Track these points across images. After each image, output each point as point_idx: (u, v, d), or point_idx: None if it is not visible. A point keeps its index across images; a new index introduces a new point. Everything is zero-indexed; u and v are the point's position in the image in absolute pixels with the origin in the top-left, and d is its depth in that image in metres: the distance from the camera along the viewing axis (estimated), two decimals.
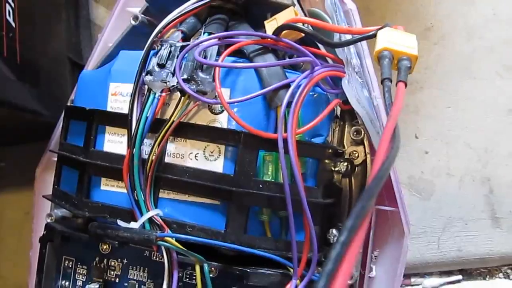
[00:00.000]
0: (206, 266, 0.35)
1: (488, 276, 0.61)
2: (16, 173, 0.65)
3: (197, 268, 0.36)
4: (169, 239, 0.35)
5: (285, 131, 0.34)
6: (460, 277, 0.61)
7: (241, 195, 0.35)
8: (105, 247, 0.39)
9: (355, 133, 0.41)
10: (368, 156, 0.41)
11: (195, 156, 0.36)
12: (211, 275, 0.35)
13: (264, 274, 0.36)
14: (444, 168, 0.60)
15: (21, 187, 0.64)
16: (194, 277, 0.36)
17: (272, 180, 0.36)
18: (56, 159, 0.44)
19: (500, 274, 0.61)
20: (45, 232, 0.41)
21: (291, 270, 0.36)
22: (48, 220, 0.44)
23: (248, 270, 0.35)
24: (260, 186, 0.35)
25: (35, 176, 0.50)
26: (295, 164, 0.34)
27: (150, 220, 0.36)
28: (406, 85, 0.31)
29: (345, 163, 0.40)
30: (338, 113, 0.42)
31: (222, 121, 0.36)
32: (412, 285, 0.61)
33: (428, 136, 0.61)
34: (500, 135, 0.60)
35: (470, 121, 0.61)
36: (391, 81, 0.32)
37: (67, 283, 0.41)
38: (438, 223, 0.60)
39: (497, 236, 0.59)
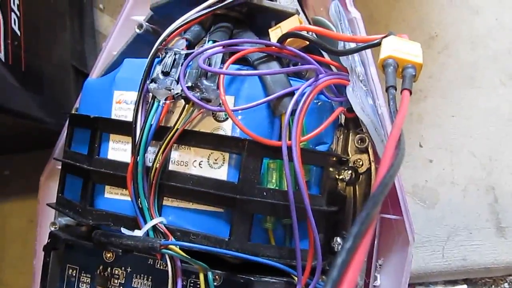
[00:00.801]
0: (210, 274, 0.35)
1: (493, 286, 0.60)
2: (20, 181, 0.65)
3: (201, 276, 0.35)
4: (173, 247, 0.34)
5: (289, 138, 0.34)
6: (465, 286, 0.60)
7: (245, 203, 0.35)
8: (108, 255, 0.39)
9: (359, 141, 0.40)
10: (373, 164, 0.40)
11: (199, 164, 0.36)
12: (215, 283, 0.35)
13: (269, 282, 0.35)
14: (449, 177, 0.60)
15: (25, 195, 0.64)
16: (198, 285, 0.36)
17: (276, 188, 0.36)
18: (60, 167, 0.44)
19: (505, 284, 0.60)
20: (49, 240, 0.41)
21: (296, 278, 0.35)
22: (52, 228, 0.44)
23: (253, 278, 0.35)
24: (264, 193, 0.35)
25: (39, 184, 0.50)
26: (299, 172, 0.34)
27: (154, 228, 0.36)
28: (411, 93, 0.31)
29: (349, 171, 0.40)
30: (342, 121, 0.41)
31: (226, 128, 0.36)
32: None
33: (432, 144, 0.61)
34: (504, 143, 0.60)
35: (474, 129, 0.60)
36: (395, 89, 0.32)
37: None
38: (443, 232, 0.60)
39: (502, 246, 0.59)
